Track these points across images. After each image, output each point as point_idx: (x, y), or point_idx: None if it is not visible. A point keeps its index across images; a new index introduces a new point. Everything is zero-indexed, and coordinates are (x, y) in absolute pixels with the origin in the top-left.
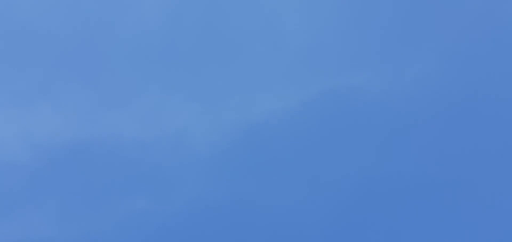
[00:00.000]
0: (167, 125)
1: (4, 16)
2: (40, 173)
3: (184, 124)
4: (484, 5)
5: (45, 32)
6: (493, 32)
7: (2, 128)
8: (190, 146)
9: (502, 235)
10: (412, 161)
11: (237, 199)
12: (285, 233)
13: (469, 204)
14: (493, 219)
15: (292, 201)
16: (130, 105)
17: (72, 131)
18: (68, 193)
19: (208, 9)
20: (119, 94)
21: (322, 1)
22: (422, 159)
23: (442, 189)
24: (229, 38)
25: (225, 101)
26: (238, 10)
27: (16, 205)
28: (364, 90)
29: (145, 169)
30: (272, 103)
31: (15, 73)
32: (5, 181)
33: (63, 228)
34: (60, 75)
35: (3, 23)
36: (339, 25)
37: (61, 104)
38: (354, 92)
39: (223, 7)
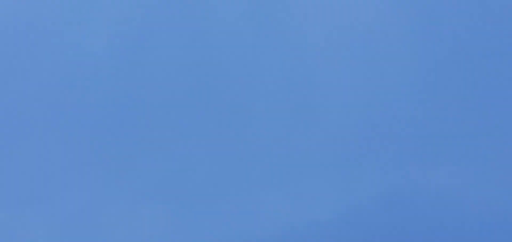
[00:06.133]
0: None
1: None
2: None
3: (148, 235)
4: None
5: None
6: None
7: None
8: None
9: None
10: None
11: None
12: None
13: None
14: None
15: None
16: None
17: None
18: None
19: (189, 52)
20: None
21: (386, 64)
22: None
23: None
24: (223, 103)
25: (213, 205)
26: (242, 59)
27: None
28: (442, 192)
29: None
30: (295, 212)
31: None
32: None
33: None
34: None
35: None
36: (410, 94)
37: None
38: (428, 194)
39: (216, 54)
